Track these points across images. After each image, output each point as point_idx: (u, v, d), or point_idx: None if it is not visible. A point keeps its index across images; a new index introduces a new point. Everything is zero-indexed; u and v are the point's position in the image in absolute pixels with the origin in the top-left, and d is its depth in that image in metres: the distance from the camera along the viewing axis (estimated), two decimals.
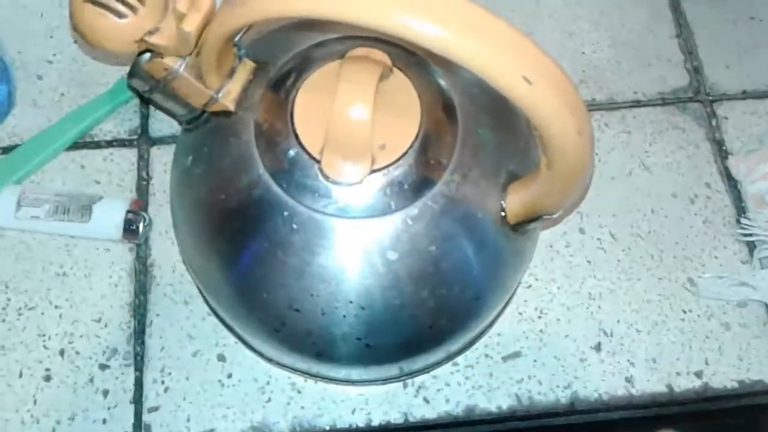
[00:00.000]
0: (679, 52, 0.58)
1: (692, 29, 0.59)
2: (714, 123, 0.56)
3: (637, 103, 0.56)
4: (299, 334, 0.39)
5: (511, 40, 0.29)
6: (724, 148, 0.55)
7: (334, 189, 0.36)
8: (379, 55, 0.37)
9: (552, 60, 0.30)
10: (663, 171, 0.54)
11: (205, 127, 0.40)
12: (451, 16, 0.28)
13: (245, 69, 0.38)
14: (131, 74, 0.37)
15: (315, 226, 0.36)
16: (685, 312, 0.50)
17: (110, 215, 0.49)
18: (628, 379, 0.48)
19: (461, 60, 0.29)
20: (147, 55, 0.36)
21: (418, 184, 0.37)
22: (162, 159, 0.53)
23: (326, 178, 0.36)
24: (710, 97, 0.57)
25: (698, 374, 0.48)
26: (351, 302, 0.37)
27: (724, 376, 0.48)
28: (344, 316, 0.38)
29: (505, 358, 0.48)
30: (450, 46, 0.28)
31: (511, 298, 0.48)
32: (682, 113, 0.56)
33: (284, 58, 0.40)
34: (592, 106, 0.56)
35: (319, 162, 0.36)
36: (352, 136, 0.35)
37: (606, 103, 0.56)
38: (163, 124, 0.54)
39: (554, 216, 0.38)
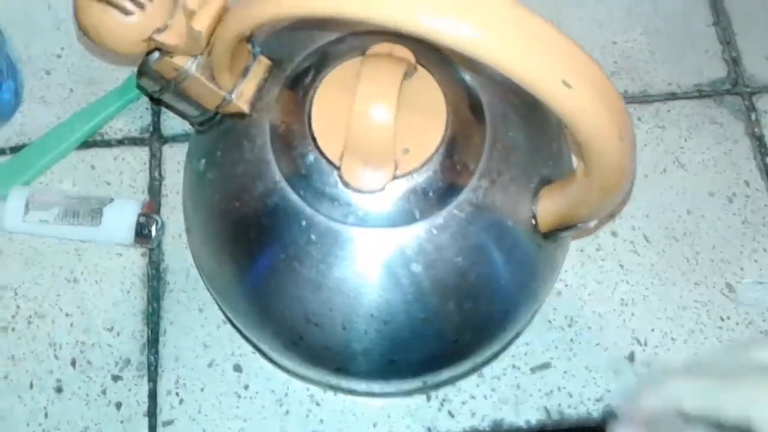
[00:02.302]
0: (716, 42, 0.55)
1: (730, 17, 0.56)
2: (753, 117, 0.53)
3: (672, 96, 0.53)
4: (318, 349, 0.38)
5: (547, 40, 0.27)
6: (764, 143, 0.52)
7: (355, 197, 0.34)
8: (402, 51, 0.35)
9: (591, 60, 0.28)
10: (699, 168, 0.51)
11: (219, 129, 0.38)
12: (482, 15, 0.26)
13: (260, 67, 0.36)
14: (140, 74, 0.35)
15: (334, 237, 0.35)
16: (722, 319, 0.47)
17: (121, 219, 0.47)
18: None
19: (492, 62, 0.26)
20: (156, 54, 0.34)
21: (444, 191, 0.35)
22: (175, 158, 0.51)
23: (346, 185, 0.34)
24: (749, 90, 0.54)
25: None
26: (372, 316, 0.35)
27: None
28: (365, 331, 0.36)
29: (533, 369, 0.46)
30: (481, 48, 0.26)
31: (539, 306, 0.46)
32: (719, 106, 0.53)
33: (301, 55, 0.38)
34: (625, 99, 0.52)
35: (338, 168, 0.34)
36: (374, 140, 0.33)
37: (639, 95, 0.53)
38: (175, 122, 0.52)
39: (590, 225, 0.36)
